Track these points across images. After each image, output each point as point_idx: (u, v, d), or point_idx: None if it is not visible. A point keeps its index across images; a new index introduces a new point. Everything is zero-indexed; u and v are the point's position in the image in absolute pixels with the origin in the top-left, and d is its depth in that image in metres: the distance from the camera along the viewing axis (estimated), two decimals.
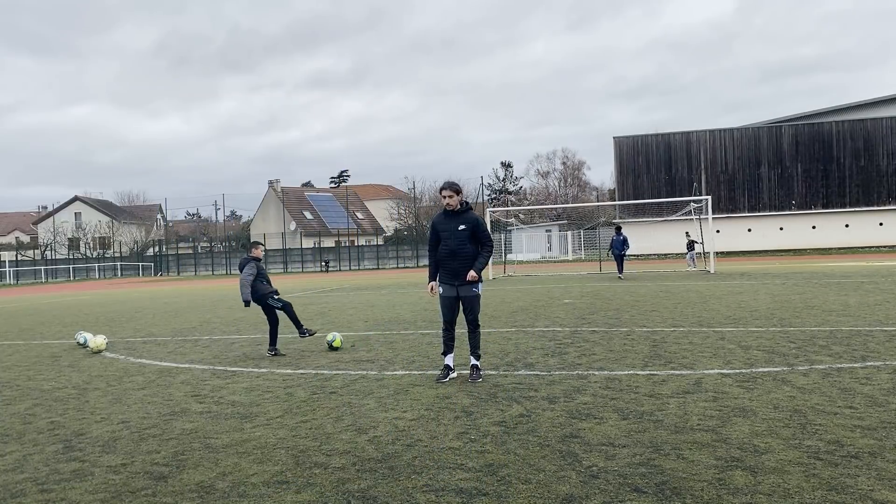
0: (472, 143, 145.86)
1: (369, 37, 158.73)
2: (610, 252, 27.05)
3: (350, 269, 62.07)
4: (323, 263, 59.46)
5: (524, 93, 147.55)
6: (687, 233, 34.72)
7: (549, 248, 64.35)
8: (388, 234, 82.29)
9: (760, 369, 7.25)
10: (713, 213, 33.58)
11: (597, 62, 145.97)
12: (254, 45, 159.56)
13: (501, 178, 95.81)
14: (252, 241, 11.13)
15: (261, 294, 9.96)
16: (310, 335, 10.32)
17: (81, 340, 11.55)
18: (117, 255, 75.03)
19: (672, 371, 7.35)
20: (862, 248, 49.87)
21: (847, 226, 51.39)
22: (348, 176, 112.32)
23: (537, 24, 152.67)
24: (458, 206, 7.21)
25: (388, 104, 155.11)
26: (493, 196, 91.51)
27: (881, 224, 50.80)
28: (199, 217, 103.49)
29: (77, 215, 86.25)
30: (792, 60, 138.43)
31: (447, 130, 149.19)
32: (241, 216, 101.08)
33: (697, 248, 33.72)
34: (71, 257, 75.43)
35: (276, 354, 9.72)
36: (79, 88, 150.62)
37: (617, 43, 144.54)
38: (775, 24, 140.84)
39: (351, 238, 74.97)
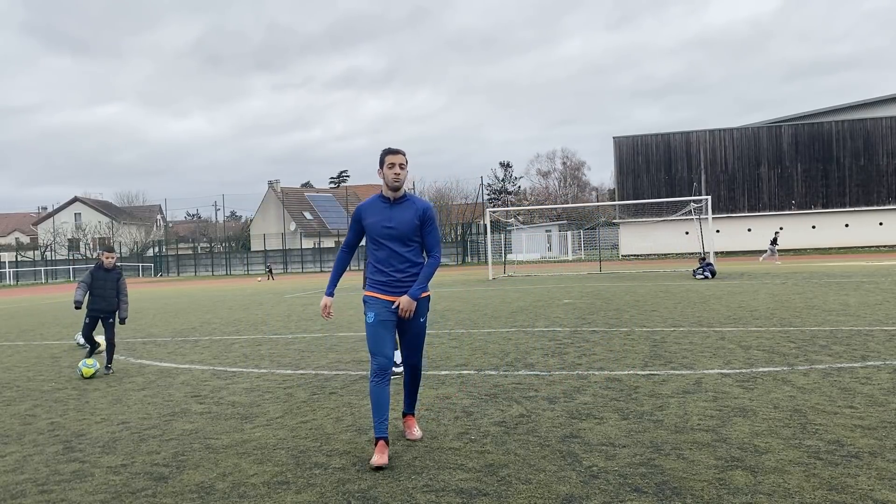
0: (491, 142, 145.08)
1: (408, 35, 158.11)
2: None
3: (350, 270, 62.07)
4: (267, 270, 49.00)
5: (552, 91, 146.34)
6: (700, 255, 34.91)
7: (549, 248, 64.34)
8: None
9: (760, 369, 7.25)
10: (713, 213, 33.62)
11: (630, 60, 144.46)
12: (289, 44, 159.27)
13: (501, 179, 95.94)
14: (103, 247, 9.84)
15: (89, 308, 9.00)
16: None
17: (81, 341, 11.53)
18: (117, 255, 75.04)
19: (672, 371, 7.35)
20: (862, 247, 49.86)
21: (847, 226, 51.37)
22: (348, 176, 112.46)
23: (577, 22, 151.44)
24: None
25: (415, 103, 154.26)
26: (493, 196, 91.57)
27: (881, 224, 50.78)
28: (199, 217, 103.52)
29: (77, 216, 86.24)
30: (823, 59, 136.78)
31: (469, 129, 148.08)
32: (241, 216, 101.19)
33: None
34: (71, 258, 75.39)
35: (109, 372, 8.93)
36: (109, 88, 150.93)
37: (653, 41, 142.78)
38: (813, 22, 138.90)
39: None
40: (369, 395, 4.79)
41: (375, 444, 4.67)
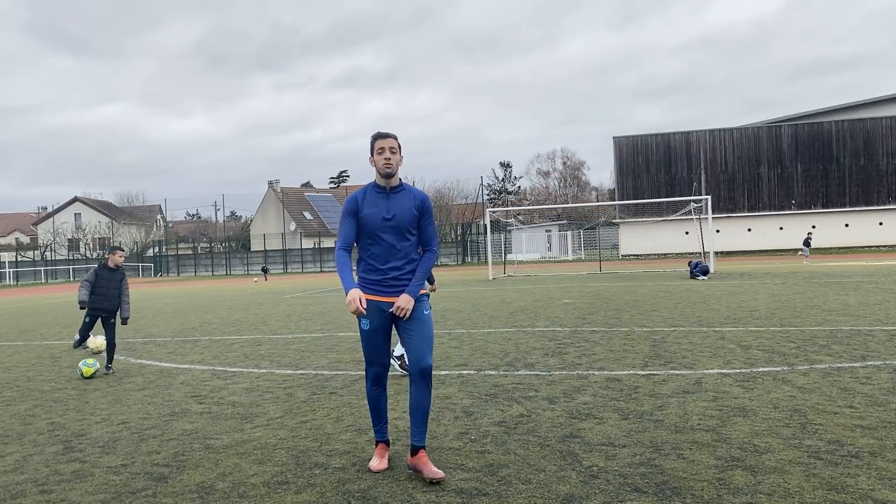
0: (491, 142, 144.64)
1: (411, 35, 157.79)
2: None
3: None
4: (261, 271, 49.43)
5: (553, 91, 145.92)
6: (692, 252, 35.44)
7: (549, 248, 64.35)
8: None
9: (760, 369, 7.25)
10: (713, 213, 33.63)
11: (632, 60, 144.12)
12: (292, 44, 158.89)
13: (501, 179, 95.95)
14: (112, 245, 9.81)
15: (90, 307, 8.94)
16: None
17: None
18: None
19: (672, 371, 7.35)
20: (862, 247, 49.86)
21: (847, 225, 51.39)
22: (347, 176, 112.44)
23: (580, 23, 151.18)
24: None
25: (417, 103, 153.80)
26: (493, 196, 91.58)
27: (881, 224, 50.80)
28: (199, 217, 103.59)
29: (77, 216, 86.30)
30: (825, 59, 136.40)
31: (470, 130, 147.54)
32: (240, 217, 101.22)
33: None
34: (71, 258, 75.41)
35: (109, 372, 8.90)
36: (111, 88, 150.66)
37: (655, 41, 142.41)
38: (816, 22, 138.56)
39: None
40: (367, 402, 4.64)
41: (375, 447, 4.66)
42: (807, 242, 35.40)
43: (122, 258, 9.14)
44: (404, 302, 4.37)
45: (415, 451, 4.35)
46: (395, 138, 4.49)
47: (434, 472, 4.23)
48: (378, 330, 4.47)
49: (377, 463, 4.53)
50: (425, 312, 4.50)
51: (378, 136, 4.47)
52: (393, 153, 4.43)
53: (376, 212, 4.42)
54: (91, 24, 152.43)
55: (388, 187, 4.48)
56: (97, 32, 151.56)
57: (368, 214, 4.43)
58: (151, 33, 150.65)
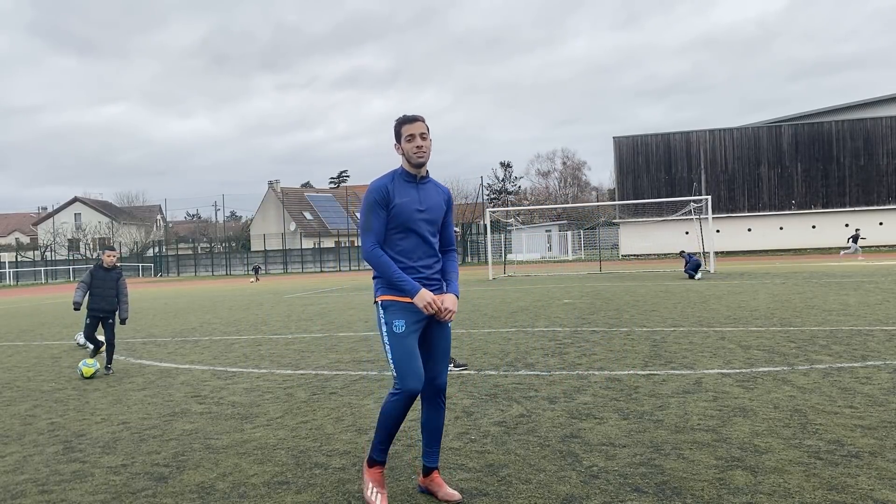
0: (492, 142, 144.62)
1: (414, 35, 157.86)
2: None
3: (350, 270, 62.08)
4: (252, 271, 48.56)
5: (555, 91, 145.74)
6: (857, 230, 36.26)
7: (549, 248, 64.36)
8: None
9: (760, 369, 7.25)
10: (713, 213, 33.63)
11: (634, 60, 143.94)
12: (295, 44, 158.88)
13: (501, 179, 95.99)
14: (106, 245, 9.62)
15: (89, 308, 8.92)
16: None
17: (81, 341, 11.54)
18: (117, 254, 75.05)
19: (672, 371, 7.35)
20: (862, 247, 49.80)
21: (847, 225, 51.27)
22: (347, 176, 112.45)
23: (583, 23, 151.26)
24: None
25: (420, 103, 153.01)
26: (493, 196, 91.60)
27: (881, 224, 50.79)
28: (199, 218, 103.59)
29: (77, 216, 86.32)
30: (828, 59, 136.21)
31: (473, 129, 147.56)
32: (240, 217, 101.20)
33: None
34: (71, 258, 75.41)
35: (109, 372, 8.89)
36: (113, 88, 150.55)
37: (658, 41, 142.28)
38: (819, 22, 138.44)
39: (351, 238, 75.01)
40: (382, 414, 3.90)
41: (369, 468, 3.99)
42: (855, 238, 35.35)
43: (113, 258, 9.11)
44: (452, 303, 3.94)
45: (428, 471, 4.05)
46: (424, 121, 3.99)
47: (450, 493, 3.94)
48: (412, 333, 3.87)
49: (380, 500, 3.88)
50: (449, 326, 4.09)
51: (405, 121, 3.97)
52: (423, 138, 3.94)
53: (409, 201, 3.94)
54: (95, 25, 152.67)
55: (417, 176, 4.01)
56: (101, 32, 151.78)
57: (401, 204, 3.91)
58: (155, 33, 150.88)
